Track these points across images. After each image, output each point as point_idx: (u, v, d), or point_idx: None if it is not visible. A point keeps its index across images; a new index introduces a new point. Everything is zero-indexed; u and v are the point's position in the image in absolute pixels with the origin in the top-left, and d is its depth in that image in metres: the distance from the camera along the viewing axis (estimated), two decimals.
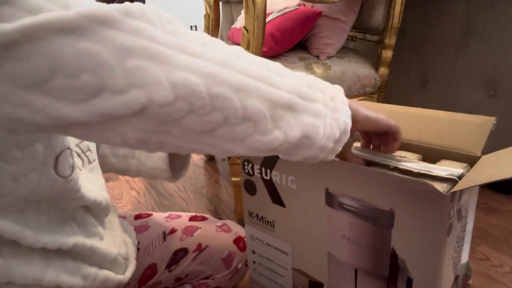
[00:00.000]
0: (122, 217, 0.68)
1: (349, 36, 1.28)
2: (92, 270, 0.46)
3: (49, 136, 0.38)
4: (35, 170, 0.37)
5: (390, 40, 1.15)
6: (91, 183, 0.49)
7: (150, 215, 0.71)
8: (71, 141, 0.45)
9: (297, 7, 1.08)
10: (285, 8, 1.09)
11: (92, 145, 0.52)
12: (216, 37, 1.40)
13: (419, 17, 1.38)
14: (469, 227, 0.45)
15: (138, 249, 0.63)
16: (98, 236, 0.49)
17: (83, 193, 0.44)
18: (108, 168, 0.64)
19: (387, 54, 1.17)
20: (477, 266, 0.94)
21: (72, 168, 0.41)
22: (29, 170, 0.37)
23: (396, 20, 1.13)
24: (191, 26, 3.87)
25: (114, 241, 0.53)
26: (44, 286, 0.41)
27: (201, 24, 3.90)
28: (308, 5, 1.11)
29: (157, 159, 0.63)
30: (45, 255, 0.41)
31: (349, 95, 1.13)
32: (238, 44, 1.25)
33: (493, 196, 1.26)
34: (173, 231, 0.66)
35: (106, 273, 0.49)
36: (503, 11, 1.15)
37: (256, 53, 0.89)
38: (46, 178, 0.38)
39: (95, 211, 0.49)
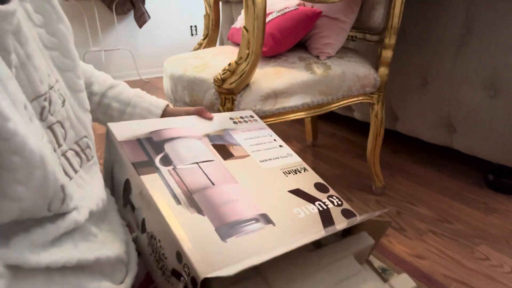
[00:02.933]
0: None
1: (349, 36, 1.28)
2: (93, 285, 0.44)
3: (44, 187, 0.37)
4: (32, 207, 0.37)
5: (390, 40, 1.15)
6: (86, 189, 0.48)
7: None
8: (69, 141, 0.44)
9: (297, 7, 1.08)
10: (285, 8, 1.09)
11: (92, 142, 0.51)
12: (216, 37, 1.40)
13: (419, 17, 1.38)
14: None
15: (140, 253, 0.62)
16: (98, 242, 0.47)
17: (76, 210, 0.43)
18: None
19: (387, 54, 1.17)
20: (477, 266, 0.94)
21: (63, 199, 0.40)
22: (27, 206, 0.37)
23: (396, 20, 1.13)
24: (191, 26, 3.87)
25: (114, 240, 0.51)
26: None
27: (201, 24, 3.90)
28: (308, 5, 1.11)
29: None
30: (47, 275, 0.39)
31: (349, 95, 1.13)
32: (238, 44, 1.25)
33: (493, 196, 1.26)
34: None
35: (107, 286, 0.46)
36: (503, 11, 1.15)
37: (256, 53, 0.89)
38: (40, 214, 0.39)
39: (93, 219, 0.48)
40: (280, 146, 0.68)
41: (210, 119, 0.67)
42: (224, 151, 0.60)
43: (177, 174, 0.52)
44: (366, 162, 1.31)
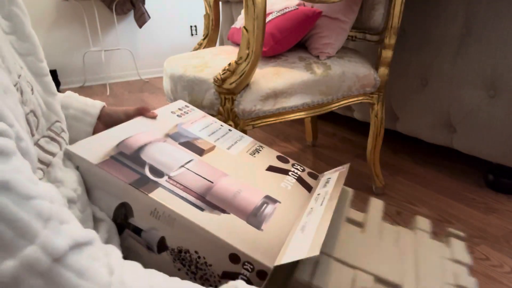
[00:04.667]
0: None
1: (349, 36, 1.28)
2: None
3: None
4: None
5: (390, 40, 1.15)
6: (70, 169, 0.47)
7: None
8: (41, 129, 0.42)
9: (297, 7, 1.08)
10: (285, 8, 1.09)
11: (64, 125, 0.49)
12: (216, 37, 1.40)
13: (419, 17, 1.38)
14: None
15: None
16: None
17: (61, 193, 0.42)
18: None
19: (387, 54, 1.17)
20: (477, 266, 0.94)
21: None
22: None
23: (396, 20, 1.13)
24: (191, 26, 3.87)
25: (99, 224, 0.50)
26: None
27: (201, 24, 3.89)
28: (308, 5, 1.11)
29: (82, 132, 0.61)
30: None
31: (349, 95, 1.13)
32: (238, 44, 1.25)
33: (493, 196, 1.26)
34: None
35: None
36: (503, 11, 1.15)
37: (256, 53, 0.89)
38: None
39: (77, 204, 0.46)
40: (229, 130, 0.71)
41: (155, 117, 0.65)
42: (193, 147, 0.61)
43: (177, 182, 0.51)
44: (366, 162, 1.31)
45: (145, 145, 0.56)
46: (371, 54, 1.30)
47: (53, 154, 0.45)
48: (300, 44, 1.15)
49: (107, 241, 0.47)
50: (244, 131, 1.02)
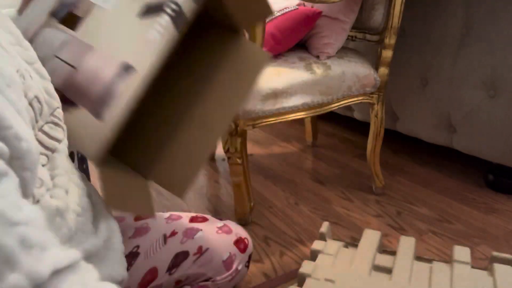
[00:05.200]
0: (121, 218, 0.68)
1: (349, 36, 1.27)
2: None
3: None
4: None
5: (390, 40, 1.15)
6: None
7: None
8: (44, 116, 0.43)
9: (297, 7, 1.08)
10: (285, 8, 1.09)
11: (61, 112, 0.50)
12: None
13: (419, 17, 1.38)
14: None
15: (138, 253, 0.62)
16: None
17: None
18: None
19: (387, 54, 1.17)
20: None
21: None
22: None
23: (396, 20, 1.13)
24: None
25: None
26: None
27: None
28: (308, 5, 1.11)
29: None
30: None
31: (349, 95, 1.13)
32: None
33: (493, 196, 1.26)
34: (173, 233, 0.66)
35: None
36: (503, 11, 1.15)
37: None
38: None
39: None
40: None
41: None
42: (71, 21, 0.53)
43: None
44: (366, 162, 1.31)
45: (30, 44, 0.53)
46: (371, 54, 1.30)
47: (58, 140, 0.45)
48: (300, 44, 1.15)
49: (108, 239, 0.47)
50: (244, 131, 1.02)
